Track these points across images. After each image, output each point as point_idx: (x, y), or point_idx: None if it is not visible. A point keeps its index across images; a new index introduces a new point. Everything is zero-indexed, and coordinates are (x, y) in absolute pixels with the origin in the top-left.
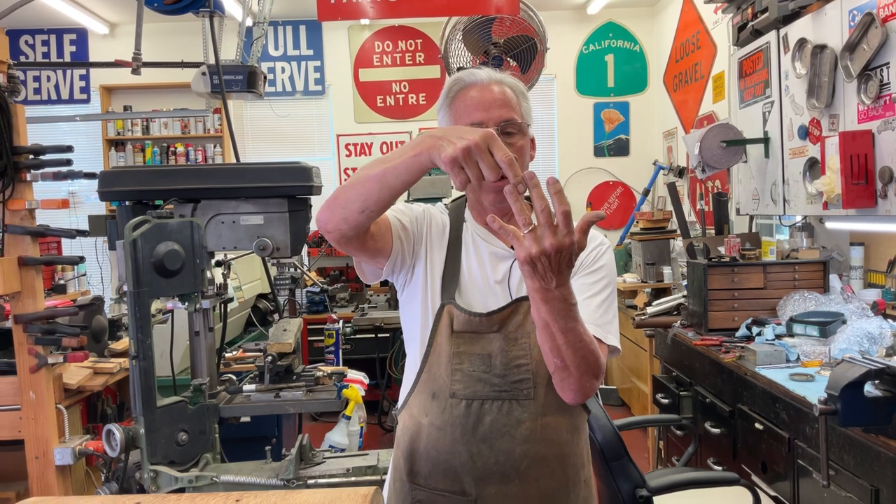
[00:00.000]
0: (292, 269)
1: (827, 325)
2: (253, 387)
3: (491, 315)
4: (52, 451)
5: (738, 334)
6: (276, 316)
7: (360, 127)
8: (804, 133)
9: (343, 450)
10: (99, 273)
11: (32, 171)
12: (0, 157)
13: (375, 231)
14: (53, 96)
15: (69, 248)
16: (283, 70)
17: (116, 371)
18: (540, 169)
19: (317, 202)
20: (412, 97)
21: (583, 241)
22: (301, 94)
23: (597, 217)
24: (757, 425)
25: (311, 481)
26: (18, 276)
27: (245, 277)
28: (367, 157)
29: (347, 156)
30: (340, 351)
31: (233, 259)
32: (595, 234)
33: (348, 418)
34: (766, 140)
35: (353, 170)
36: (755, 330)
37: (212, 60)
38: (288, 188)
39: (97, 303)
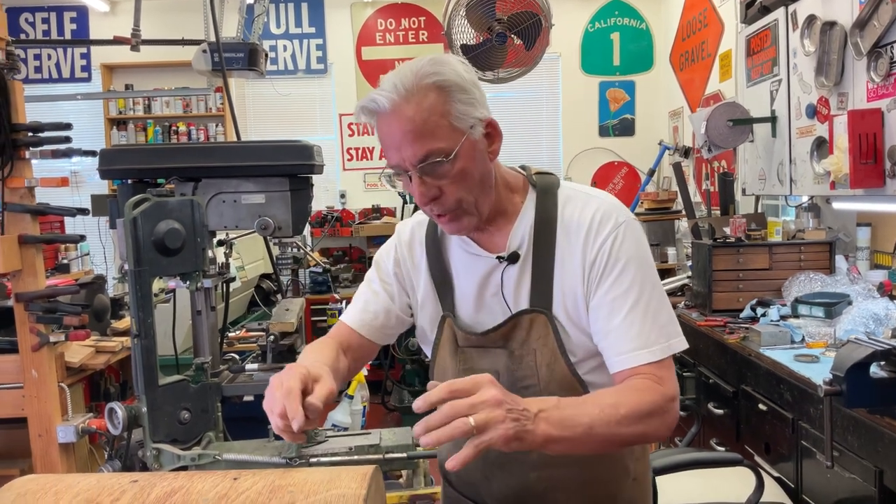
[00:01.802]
0: (295, 250)
1: (832, 306)
2: (255, 366)
3: (488, 333)
4: (55, 428)
5: (742, 315)
6: (279, 296)
7: None
8: (812, 112)
9: (346, 429)
10: (102, 253)
11: (31, 149)
12: None
13: (357, 358)
14: (54, 75)
15: (73, 228)
16: (284, 48)
17: (119, 350)
18: (544, 149)
19: (318, 181)
20: None
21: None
22: (303, 72)
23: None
24: (761, 406)
25: (313, 459)
26: (19, 254)
27: (248, 258)
28: (369, 136)
29: (350, 135)
30: None
31: (234, 238)
32: (607, 211)
33: (351, 398)
34: (773, 119)
35: (356, 150)
36: (760, 311)
37: (212, 38)
38: (289, 167)
39: (99, 281)
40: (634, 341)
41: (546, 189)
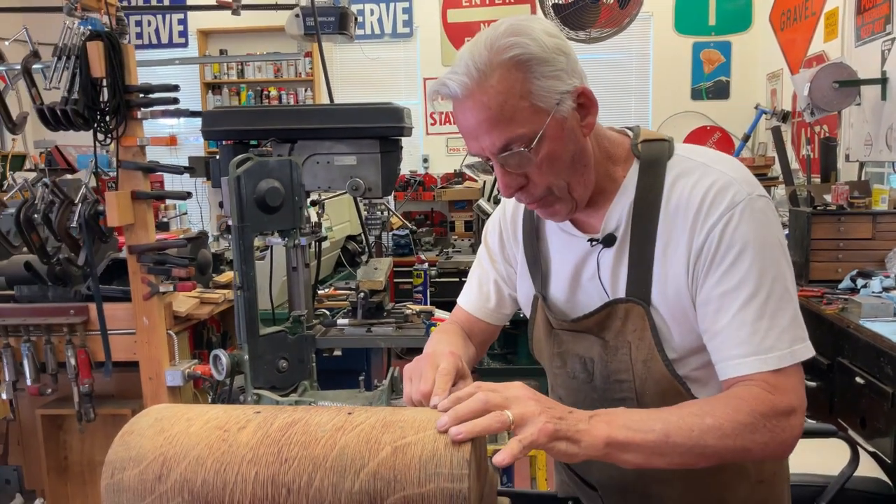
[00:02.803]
0: (381, 212)
1: None
2: (346, 321)
3: (580, 320)
4: (164, 372)
5: (841, 286)
6: (364, 257)
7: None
8: None
9: None
10: (199, 213)
11: (143, 110)
12: (114, 95)
13: (481, 342)
14: (154, 41)
15: (171, 188)
16: (371, 12)
17: (221, 301)
18: (632, 112)
19: (407, 143)
20: None
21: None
22: (389, 36)
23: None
24: (858, 379)
25: None
26: (132, 209)
27: (336, 219)
28: None
29: (434, 99)
30: (428, 291)
31: (326, 199)
32: (724, 186)
33: None
34: (884, 81)
35: (440, 114)
36: (860, 282)
37: (304, 2)
38: (380, 129)
39: (202, 237)
40: (744, 346)
41: (652, 161)
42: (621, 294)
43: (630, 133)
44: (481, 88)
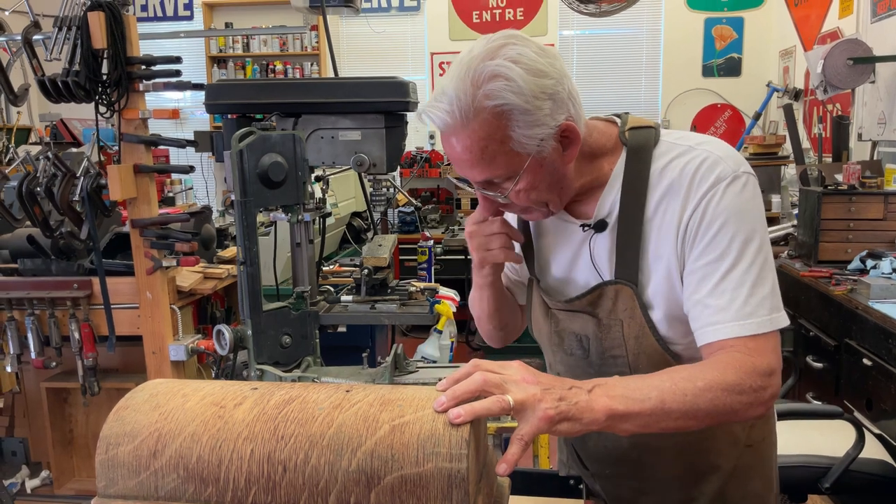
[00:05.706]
0: (386, 189)
1: None
2: (350, 298)
3: (572, 301)
4: (168, 347)
5: (850, 267)
6: (369, 234)
7: (454, 45)
8: None
9: (434, 362)
10: (205, 188)
11: (144, 82)
12: (115, 66)
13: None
14: (159, 13)
15: (177, 163)
16: None
17: (225, 277)
18: (643, 90)
19: (414, 119)
20: (509, 12)
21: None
22: (396, 9)
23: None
24: (865, 361)
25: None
26: (134, 182)
27: (341, 195)
28: None
29: (441, 75)
30: (433, 269)
31: (331, 175)
32: (712, 163)
33: (440, 332)
34: None
35: None
36: (870, 263)
37: None
38: (385, 104)
39: (206, 212)
40: (724, 312)
41: (638, 148)
42: (611, 279)
43: (618, 121)
44: (464, 130)
